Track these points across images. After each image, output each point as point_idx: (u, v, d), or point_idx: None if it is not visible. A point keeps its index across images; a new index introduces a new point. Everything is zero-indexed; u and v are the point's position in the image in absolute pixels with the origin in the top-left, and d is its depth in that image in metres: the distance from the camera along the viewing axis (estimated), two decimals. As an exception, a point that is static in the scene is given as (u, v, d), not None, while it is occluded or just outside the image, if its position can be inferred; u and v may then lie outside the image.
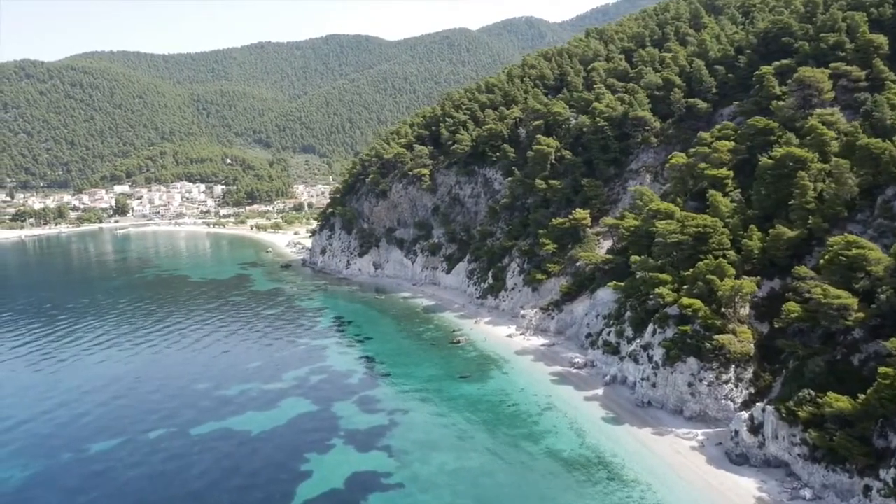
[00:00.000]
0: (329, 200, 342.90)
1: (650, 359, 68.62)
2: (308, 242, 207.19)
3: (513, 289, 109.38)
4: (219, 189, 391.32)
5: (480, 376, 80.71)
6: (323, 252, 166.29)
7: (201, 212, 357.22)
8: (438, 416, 68.97)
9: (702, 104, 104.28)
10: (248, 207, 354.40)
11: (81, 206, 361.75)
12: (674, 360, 65.00)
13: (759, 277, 66.96)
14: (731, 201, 79.72)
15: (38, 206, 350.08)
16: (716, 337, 62.26)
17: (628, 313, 78.79)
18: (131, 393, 79.16)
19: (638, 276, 79.46)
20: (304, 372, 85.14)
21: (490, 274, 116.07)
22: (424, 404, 72.54)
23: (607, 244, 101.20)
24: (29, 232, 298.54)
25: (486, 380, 79.48)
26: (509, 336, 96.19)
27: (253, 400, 75.93)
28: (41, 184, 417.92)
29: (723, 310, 65.52)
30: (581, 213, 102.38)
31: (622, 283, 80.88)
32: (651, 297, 72.74)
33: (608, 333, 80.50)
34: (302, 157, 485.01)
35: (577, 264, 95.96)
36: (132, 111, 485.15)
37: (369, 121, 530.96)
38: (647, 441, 60.11)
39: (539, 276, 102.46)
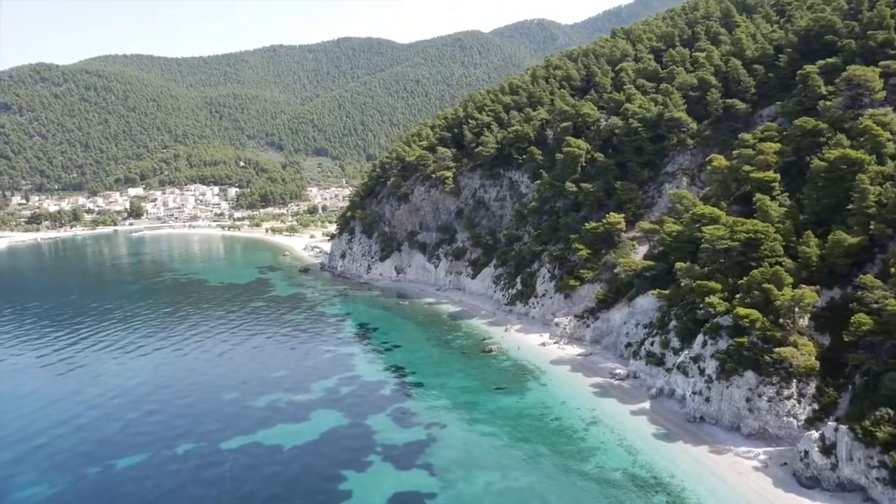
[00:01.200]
0: (346, 203, 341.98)
1: (701, 371, 65.16)
2: (325, 246, 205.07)
3: (543, 295, 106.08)
4: (232, 192, 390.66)
5: (517, 388, 77.50)
6: (343, 256, 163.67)
7: (215, 214, 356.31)
8: (478, 431, 65.82)
9: (740, 105, 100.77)
10: (262, 210, 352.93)
11: (96, 209, 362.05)
12: (729, 374, 61.52)
13: (817, 286, 63.35)
14: (780, 206, 76.24)
15: (53, 208, 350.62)
16: (776, 350, 58.77)
17: (673, 322, 75.40)
18: (157, 403, 76.56)
19: (683, 284, 76.16)
20: (332, 382, 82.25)
21: (518, 280, 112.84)
22: (462, 418, 69.42)
23: (643, 249, 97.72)
24: (44, 234, 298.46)
25: (523, 392, 76.25)
26: (543, 345, 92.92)
27: (282, 412, 73.12)
28: (56, 186, 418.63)
29: (781, 321, 62.10)
30: (615, 218, 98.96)
31: (666, 291, 77.44)
32: (700, 306, 69.26)
33: (651, 343, 77.06)
34: (314, 160, 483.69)
35: (616, 271, 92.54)
36: (146, 114, 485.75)
37: (381, 124, 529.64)
38: (704, 460, 56.67)
39: (572, 282, 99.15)
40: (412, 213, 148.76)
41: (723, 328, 65.37)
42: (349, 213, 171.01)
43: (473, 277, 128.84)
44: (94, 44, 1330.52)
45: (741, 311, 62.44)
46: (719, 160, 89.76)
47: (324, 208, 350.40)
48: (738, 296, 65.84)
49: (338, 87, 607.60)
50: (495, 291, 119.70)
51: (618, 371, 78.36)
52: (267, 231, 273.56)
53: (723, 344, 64.26)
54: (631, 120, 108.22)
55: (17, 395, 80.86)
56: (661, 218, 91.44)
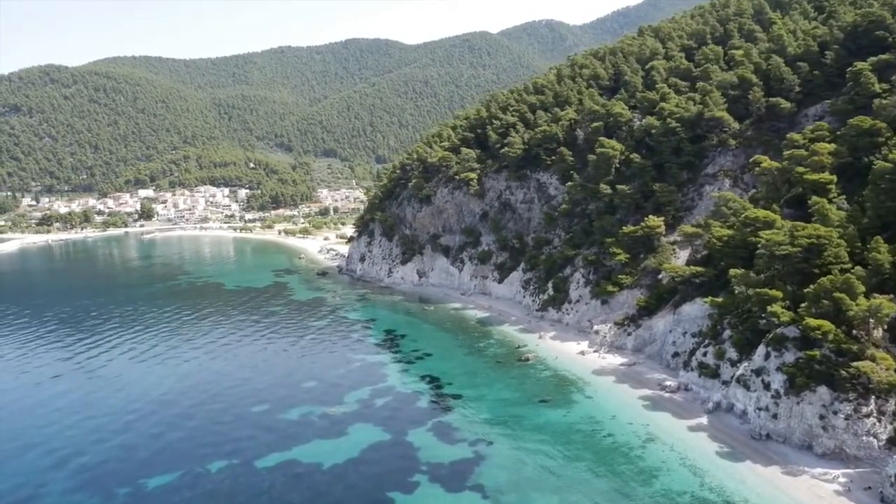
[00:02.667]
0: (357, 205, 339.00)
1: (766, 386, 61.21)
2: (341, 248, 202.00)
3: (577, 301, 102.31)
4: (243, 193, 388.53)
5: (562, 400, 73.72)
6: (362, 259, 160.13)
7: (226, 216, 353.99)
8: (527, 449, 62.01)
9: (785, 103, 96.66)
10: (273, 212, 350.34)
11: (106, 211, 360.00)
12: (800, 389, 57.62)
13: (891, 295, 59.37)
14: (837, 209, 72.40)
15: (63, 210, 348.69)
16: (854, 364, 54.88)
17: (727, 332, 71.49)
18: (185, 416, 72.96)
19: (737, 292, 72.30)
20: (366, 393, 78.60)
21: (550, 285, 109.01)
22: (508, 433, 65.65)
23: (684, 254, 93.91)
24: (55, 236, 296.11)
25: (569, 405, 72.47)
26: (581, 353, 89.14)
27: (317, 426, 69.51)
28: (65, 188, 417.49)
29: (854, 332, 58.25)
30: (655, 221, 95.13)
31: (719, 299, 73.46)
32: (762, 316, 65.32)
33: (703, 354, 73.14)
34: (324, 162, 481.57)
35: (660, 276, 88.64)
36: (155, 115, 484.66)
37: (390, 125, 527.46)
38: (779, 483, 52.77)
39: (610, 287, 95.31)
40: (435, 215, 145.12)
41: (788, 339, 61.46)
42: (368, 216, 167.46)
43: (500, 282, 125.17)
44: (102, 45, 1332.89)
45: (811, 321, 58.49)
46: (768, 161, 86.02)
47: (335, 210, 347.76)
48: (803, 305, 62.00)
49: (346, 89, 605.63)
50: (524, 297, 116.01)
51: (668, 383, 74.48)
52: (280, 233, 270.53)
53: (790, 356, 60.34)
54: (668, 120, 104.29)
55: (41, 408, 77.01)
56: (706, 221, 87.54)
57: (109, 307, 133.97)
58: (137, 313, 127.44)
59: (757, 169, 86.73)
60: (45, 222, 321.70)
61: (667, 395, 72.66)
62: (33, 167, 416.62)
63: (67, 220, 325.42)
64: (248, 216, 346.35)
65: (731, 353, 69.32)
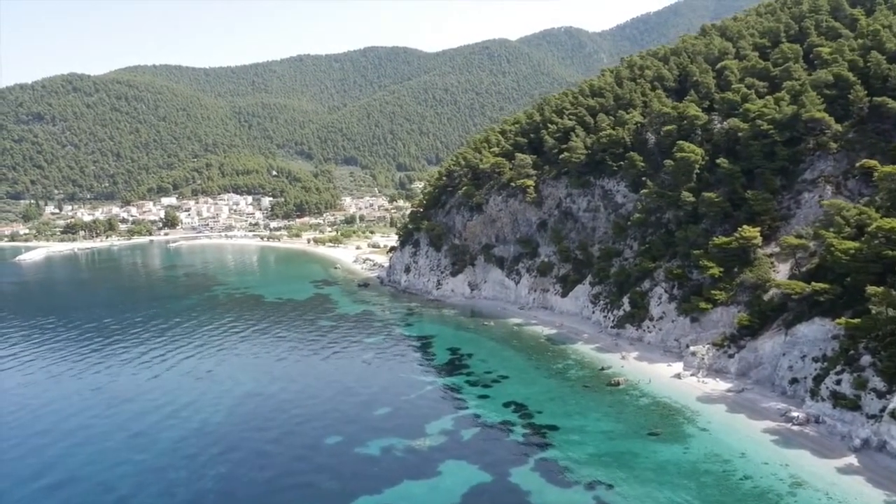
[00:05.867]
0: (382, 213, 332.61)
1: (936, 424, 52.91)
2: (378, 258, 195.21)
3: (661, 318, 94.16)
4: (266, 201, 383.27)
5: (674, 433, 65.64)
6: (407, 270, 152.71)
7: (250, 224, 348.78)
8: (656, 494, 53.94)
9: (893, 103, 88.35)
10: (297, 220, 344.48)
11: (130, 219, 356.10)
12: None
13: None
14: (983, 218, 64.09)
15: (87, 218, 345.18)
16: None
17: (867, 357, 63.09)
18: (255, 449, 65.63)
19: (874, 312, 64.02)
20: (448, 423, 70.90)
21: (625, 299, 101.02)
22: (626, 475, 57.61)
23: (784, 268, 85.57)
24: (81, 245, 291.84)
25: (683, 439, 64.35)
26: (677, 376, 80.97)
27: (404, 463, 61.85)
28: (88, 196, 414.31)
29: None
30: (751, 231, 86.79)
31: (855, 320, 65.07)
32: (921, 341, 57.10)
33: (836, 382, 64.70)
34: (345, 169, 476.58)
35: (768, 293, 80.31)
36: (176, 123, 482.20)
37: (411, 132, 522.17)
38: (981, 545, 44.45)
39: (703, 304, 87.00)
40: (487, 224, 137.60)
41: (960, 370, 53.19)
42: (412, 225, 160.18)
43: (564, 296, 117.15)
44: (123, 54, 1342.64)
45: None
46: (887, 167, 77.67)
47: (361, 218, 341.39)
48: (973, 330, 53.77)
49: (365, 96, 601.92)
50: (594, 312, 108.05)
51: (794, 414, 66.10)
52: (309, 242, 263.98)
53: (965, 390, 52.04)
54: (759, 121, 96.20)
55: (96, 440, 70.04)
56: (817, 231, 79.25)
57: (152, 321, 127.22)
58: (181, 328, 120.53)
59: (876, 174, 78.35)
60: (71, 230, 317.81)
61: (795, 427, 64.34)
62: (56, 175, 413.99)
63: (92, 229, 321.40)
64: (273, 224, 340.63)
65: (876, 383, 60.87)
